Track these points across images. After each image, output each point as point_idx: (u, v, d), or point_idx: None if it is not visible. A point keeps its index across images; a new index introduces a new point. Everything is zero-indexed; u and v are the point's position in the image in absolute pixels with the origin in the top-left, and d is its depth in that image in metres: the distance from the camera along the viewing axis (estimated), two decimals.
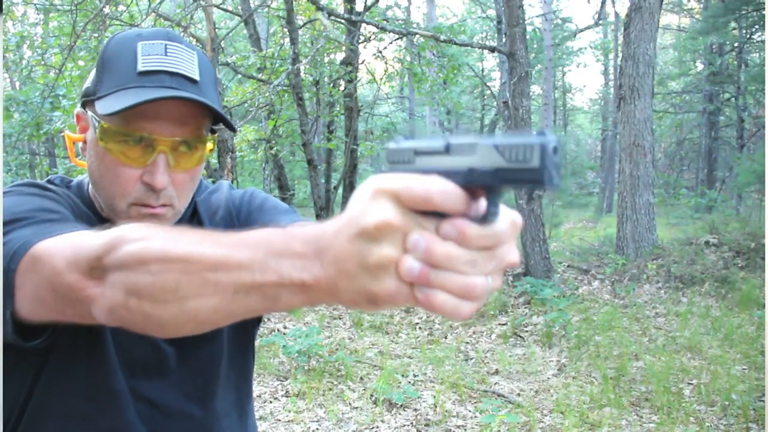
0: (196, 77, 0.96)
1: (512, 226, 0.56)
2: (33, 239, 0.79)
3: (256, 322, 1.19)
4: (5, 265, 0.79)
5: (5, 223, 0.84)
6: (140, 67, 0.93)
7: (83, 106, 1.00)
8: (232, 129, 1.01)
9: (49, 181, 1.04)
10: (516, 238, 0.57)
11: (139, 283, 0.67)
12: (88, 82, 1.00)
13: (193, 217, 1.12)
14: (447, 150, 0.57)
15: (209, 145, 1.01)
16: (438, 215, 0.54)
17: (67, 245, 0.76)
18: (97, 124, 0.95)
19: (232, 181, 7.05)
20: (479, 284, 0.54)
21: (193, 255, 0.64)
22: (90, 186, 1.04)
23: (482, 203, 0.56)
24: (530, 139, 0.51)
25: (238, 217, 1.12)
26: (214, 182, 1.24)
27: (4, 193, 0.93)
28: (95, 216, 1.02)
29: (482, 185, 0.54)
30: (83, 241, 0.75)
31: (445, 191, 0.53)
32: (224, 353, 1.08)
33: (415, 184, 0.53)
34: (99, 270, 0.71)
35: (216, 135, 1.05)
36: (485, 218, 0.54)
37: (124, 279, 0.68)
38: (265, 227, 0.65)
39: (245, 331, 1.12)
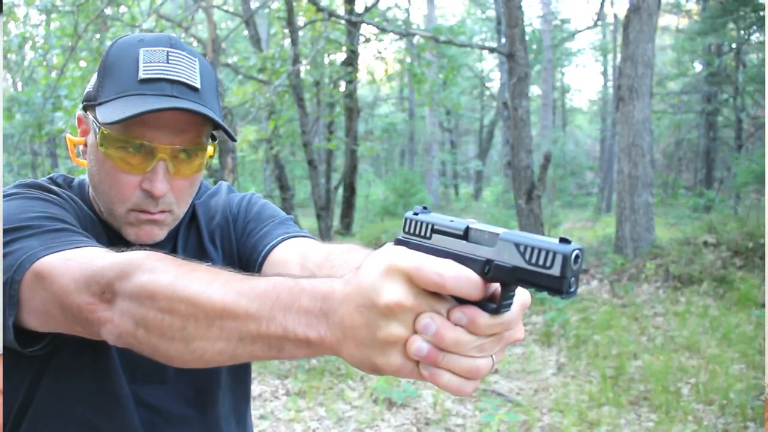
0: (197, 85, 0.96)
1: (521, 309, 0.57)
2: (39, 253, 0.80)
3: None
4: (10, 275, 0.79)
5: (10, 231, 0.84)
6: (141, 75, 0.93)
7: (84, 109, 1.00)
8: (232, 138, 1.00)
9: (51, 180, 1.04)
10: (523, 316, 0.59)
11: (147, 317, 0.68)
12: (89, 86, 1.00)
13: (191, 221, 1.12)
14: (465, 235, 0.58)
15: (209, 152, 1.01)
16: (450, 296, 0.55)
17: (76, 264, 0.77)
18: (97, 130, 0.94)
19: (233, 182, 7.07)
20: (483, 366, 0.56)
21: (201, 298, 0.65)
22: (90, 188, 1.04)
23: (495, 291, 0.56)
24: (553, 245, 0.51)
25: (235, 225, 1.12)
26: (215, 182, 1.24)
27: (7, 194, 0.93)
28: (96, 218, 1.02)
29: (497, 279, 0.55)
30: (92, 262, 0.76)
31: (458, 277, 0.53)
32: None
33: (430, 267, 0.53)
34: (110, 294, 0.72)
35: (216, 141, 1.05)
36: (497, 310, 0.55)
37: (134, 310, 0.69)
38: (275, 276, 0.65)
39: None
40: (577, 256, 0.51)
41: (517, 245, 0.53)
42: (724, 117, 16.35)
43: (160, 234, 1.00)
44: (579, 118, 30.39)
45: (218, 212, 1.13)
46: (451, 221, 0.59)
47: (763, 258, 7.15)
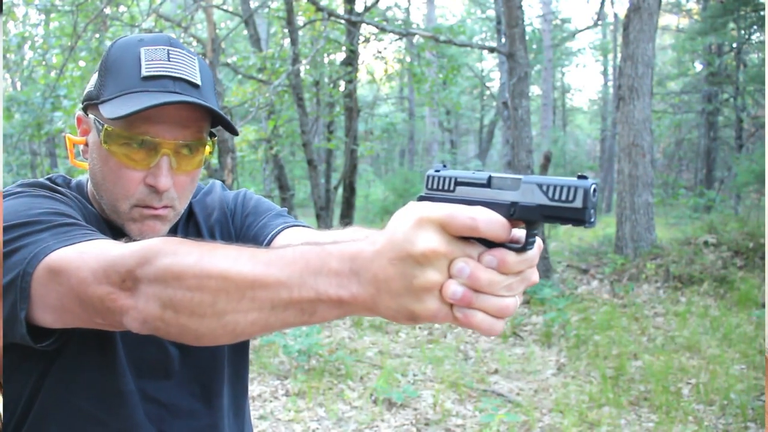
0: (198, 82, 0.98)
1: (539, 250, 0.62)
2: (53, 245, 0.80)
3: None
4: (22, 268, 0.79)
5: (19, 225, 0.84)
6: (144, 72, 0.95)
7: (84, 109, 1.01)
8: (234, 132, 1.03)
9: (51, 180, 1.05)
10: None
11: (175, 297, 0.69)
12: (89, 87, 1.01)
13: (189, 218, 1.13)
14: (489, 183, 0.62)
15: (208, 148, 1.03)
16: (479, 240, 0.59)
17: (92, 257, 0.77)
18: (101, 128, 0.95)
19: (233, 181, 7.06)
20: (512, 304, 0.60)
21: (231, 272, 0.66)
22: (90, 187, 1.05)
23: (521, 232, 0.61)
24: (573, 182, 0.57)
25: (233, 219, 1.14)
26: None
27: (12, 193, 0.94)
28: (99, 216, 1.03)
29: (524, 219, 0.60)
30: (109, 252, 0.76)
31: (490, 221, 0.57)
32: (225, 352, 1.09)
33: (462, 213, 0.57)
34: (131, 281, 0.72)
35: (216, 138, 1.07)
36: (524, 248, 0.60)
37: (160, 293, 0.70)
38: (300, 245, 0.67)
39: None
40: (594, 189, 0.56)
41: (539, 185, 0.58)
42: (724, 117, 16.35)
43: (163, 229, 1.02)
44: (579, 118, 30.39)
45: (215, 209, 1.15)
46: (473, 173, 0.64)
47: (763, 258, 7.15)
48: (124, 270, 0.73)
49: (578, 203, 0.56)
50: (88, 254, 0.78)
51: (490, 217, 0.57)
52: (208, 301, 0.67)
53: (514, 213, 0.59)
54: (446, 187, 0.66)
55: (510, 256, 0.59)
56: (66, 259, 0.78)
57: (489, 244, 0.59)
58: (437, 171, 0.67)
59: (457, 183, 0.65)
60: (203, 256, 0.69)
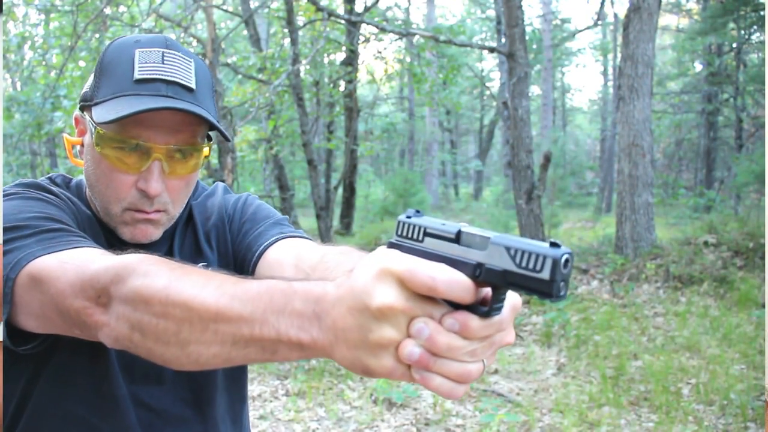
0: (192, 85, 0.97)
1: (512, 312, 0.58)
2: (36, 252, 0.80)
3: None
4: (5, 273, 0.80)
5: (7, 230, 0.85)
6: (137, 75, 0.94)
7: (81, 110, 1.01)
8: (227, 138, 1.01)
9: (50, 180, 1.05)
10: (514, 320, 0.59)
11: (143, 321, 0.68)
12: (86, 87, 1.01)
13: (188, 221, 1.12)
14: (457, 238, 0.58)
15: (205, 152, 1.02)
16: (442, 300, 0.55)
17: (72, 267, 0.77)
18: (93, 130, 0.95)
19: (233, 182, 7.06)
20: (475, 370, 0.56)
21: (195, 302, 0.65)
22: (87, 188, 1.05)
23: (486, 295, 0.57)
24: (543, 249, 0.52)
25: (230, 225, 1.13)
26: (214, 182, 1.25)
27: (7, 194, 0.94)
28: (94, 218, 1.03)
29: (489, 283, 0.55)
30: (88, 266, 0.76)
31: (451, 282, 0.54)
32: None
33: (422, 271, 0.54)
34: (105, 298, 0.72)
35: (212, 142, 1.06)
36: (488, 313, 0.55)
37: (129, 315, 0.70)
38: (268, 278, 0.66)
39: None
40: (567, 260, 0.51)
41: (507, 249, 0.54)
42: (724, 117, 16.35)
43: (156, 233, 1.01)
44: (579, 118, 30.40)
45: (214, 213, 1.14)
46: (443, 224, 0.60)
47: (763, 258, 7.14)
48: (99, 286, 0.73)
49: (545, 275, 0.51)
50: (69, 264, 0.78)
51: (452, 277, 0.53)
52: (173, 329, 0.66)
53: (480, 275, 0.55)
54: (415, 236, 0.61)
55: (473, 321, 0.54)
56: (47, 268, 0.78)
57: (454, 304, 0.55)
58: (408, 217, 0.63)
59: (426, 233, 0.61)
60: (171, 281, 0.68)
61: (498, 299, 0.56)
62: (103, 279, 0.73)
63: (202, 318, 0.65)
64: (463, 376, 0.56)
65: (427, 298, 0.55)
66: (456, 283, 0.54)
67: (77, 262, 0.78)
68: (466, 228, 0.58)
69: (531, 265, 0.52)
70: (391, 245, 0.63)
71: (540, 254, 0.51)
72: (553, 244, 0.52)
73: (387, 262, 0.55)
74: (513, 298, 0.58)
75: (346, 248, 0.90)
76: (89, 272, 0.75)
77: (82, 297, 0.74)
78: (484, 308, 0.55)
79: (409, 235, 0.62)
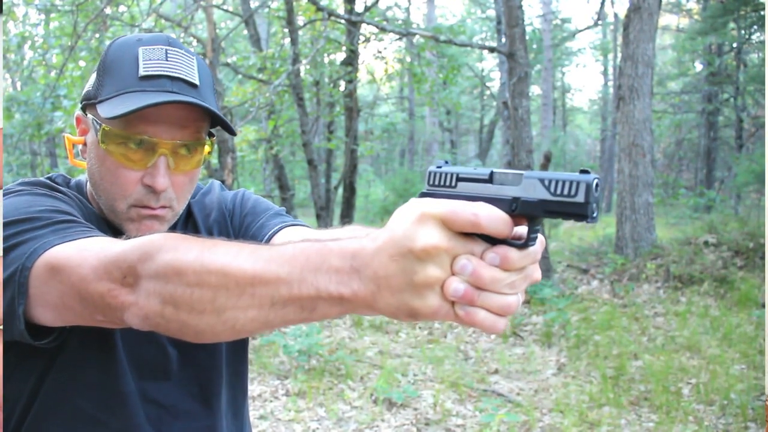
0: (196, 82, 0.98)
1: (541, 246, 0.61)
2: (52, 242, 0.80)
3: None
4: (21, 262, 0.79)
5: (20, 221, 0.84)
6: (142, 72, 0.95)
7: (83, 109, 1.01)
8: (232, 132, 1.03)
9: (51, 179, 1.05)
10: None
11: (176, 293, 0.68)
12: (88, 86, 1.01)
13: (188, 219, 1.13)
14: (491, 178, 0.62)
15: (207, 148, 1.02)
16: (480, 237, 0.59)
17: (92, 253, 0.77)
18: (98, 127, 0.95)
19: (233, 182, 7.06)
20: (514, 302, 0.60)
21: (230, 268, 0.66)
22: (89, 187, 1.05)
23: (522, 229, 0.61)
24: (575, 176, 0.57)
25: (232, 220, 1.14)
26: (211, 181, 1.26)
27: (13, 191, 0.94)
28: (98, 215, 1.03)
29: (526, 214, 0.59)
30: (110, 248, 0.76)
31: (492, 217, 0.57)
32: (224, 352, 1.09)
33: (463, 209, 0.57)
34: (132, 278, 0.72)
35: (214, 138, 1.07)
36: (526, 244, 0.59)
37: (161, 289, 0.70)
38: (301, 241, 0.67)
39: None
40: (597, 184, 0.56)
41: (541, 180, 0.58)
42: (724, 117, 16.36)
43: (161, 229, 1.01)
44: (579, 118, 30.38)
45: (214, 209, 1.15)
46: (475, 169, 0.64)
47: (763, 258, 7.15)
48: (126, 266, 0.73)
49: (580, 198, 0.56)
50: (89, 251, 0.77)
51: (492, 212, 0.57)
52: (208, 297, 0.67)
53: (516, 208, 0.59)
54: (448, 183, 0.66)
55: (512, 253, 0.58)
56: (66, 255, 0.78)
57: (490, 240, 0.59)
58: (439, 167, 0.67)
59: (459, 179, 0.65)
60: (204, 252, 0.69)
61: (533, 230, 0.60)
62: (130, 258, 0.72)
63: (239, 283, 0.65)
64: (504, 308, 0.59)
65: (467, 236, 0.58)
66: (496, 217, 0.57)
67: (97, 249, 0.78)
68: (497, 169, 0.63)
69: (566, 192, 0.57)
70: (423, 195, 0.66)
71: (573, 180, 0.56)
72: (583, 171, 0.57)
73: (425, 207, 0.58)
74: (540, 237, 0.62)
75: (355, 226, 0.90)
76: (112, 254, 0.75)
77: (107, 279, 0.73)
78: (520, 241, 0.59)
79: (442, 183, 0.66)
